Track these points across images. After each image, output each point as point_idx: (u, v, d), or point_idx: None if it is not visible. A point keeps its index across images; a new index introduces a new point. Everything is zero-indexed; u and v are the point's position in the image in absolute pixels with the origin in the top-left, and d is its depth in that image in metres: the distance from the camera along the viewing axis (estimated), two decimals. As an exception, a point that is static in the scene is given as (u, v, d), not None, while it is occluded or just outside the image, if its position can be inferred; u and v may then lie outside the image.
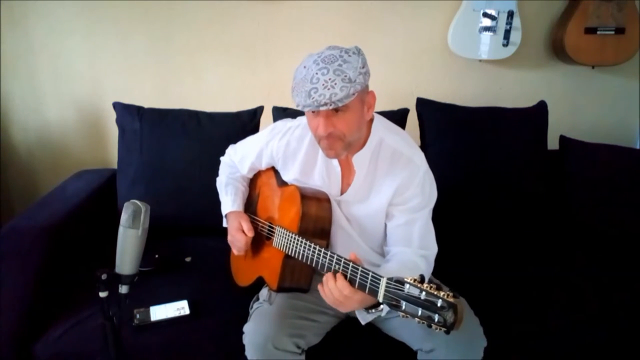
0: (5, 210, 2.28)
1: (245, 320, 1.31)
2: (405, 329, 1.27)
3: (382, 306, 1.07)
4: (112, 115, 1.94)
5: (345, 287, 1.04)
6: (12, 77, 2.20)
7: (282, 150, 1.37)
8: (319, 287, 1.10)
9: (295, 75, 1.14)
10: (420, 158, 1.27)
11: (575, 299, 1.55)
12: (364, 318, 1.20)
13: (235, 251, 1.43)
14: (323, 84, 1.06)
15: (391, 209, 1.26)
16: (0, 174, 2.30)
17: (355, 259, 1.06)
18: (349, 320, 1.36)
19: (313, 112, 1.15)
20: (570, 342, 1.41)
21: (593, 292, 1.58)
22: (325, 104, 1.07)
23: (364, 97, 1.18)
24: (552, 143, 2.03)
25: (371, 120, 1.27)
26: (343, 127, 1.14)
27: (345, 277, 1.05)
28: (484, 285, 1.58)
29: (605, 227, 1.91)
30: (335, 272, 1.07)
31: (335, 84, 1.06)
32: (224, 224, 1.49)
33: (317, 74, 1.08)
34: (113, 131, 1.98)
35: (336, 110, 1.12)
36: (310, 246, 1.17)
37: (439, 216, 1.32)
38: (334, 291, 1.06)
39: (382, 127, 1.29)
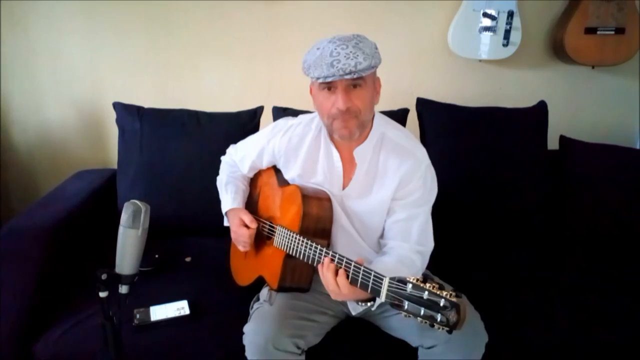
0: (5, 210, 2.28)
1: (245, 320, 1.31)
2: (405, 326, 1.27)
3: (372, 301, 1.09)
4: (112, 115, 1.93)
5: (345, 286, 1.05)
6: (12, 77, 2.20)
7: (284, 147, 1.37)
8: (319, 267, 1.11)
9: (307, 58, 1.17)
10: (422, 152, 1.28)
11: (574, 298, 1.55)
12: (354, 309, 1.23)
13: (240, 248, 1.41)
14: (345, 56, 1.09)
15: (393, 204, 1.27)
16: (0, 174, 2.30)
17: (362, 262, 1.05)
18: (349, 320, 1.36)
19: (329, 89, 1.16)
20: (569, 338, 1.41)
21: (592, 291, 1.59)
22: (350, 72, 1.09)
23: (375, 80, 1.21)
24: (552, 143, 2.03)
25: (372, 116, 1.28)
26: (359, 104, 1.16)
27: (348, 276, 1.05)
28: (484, 284, 1.58)
29: (605, 227, 1.90)
30: (337, 268, 1.07)
31: (357, 55, 1.10)
32: (225, 223, 1.48)
33: (336, 49, 1.10)
34: (113, 131, 1.98)
35: (354, 86, 1.14)
36: (311, 245, 1.17)
37: (438, 216, 1.32)
38: (330, 283, 1.07)
39: (383, 122, 1.31)
